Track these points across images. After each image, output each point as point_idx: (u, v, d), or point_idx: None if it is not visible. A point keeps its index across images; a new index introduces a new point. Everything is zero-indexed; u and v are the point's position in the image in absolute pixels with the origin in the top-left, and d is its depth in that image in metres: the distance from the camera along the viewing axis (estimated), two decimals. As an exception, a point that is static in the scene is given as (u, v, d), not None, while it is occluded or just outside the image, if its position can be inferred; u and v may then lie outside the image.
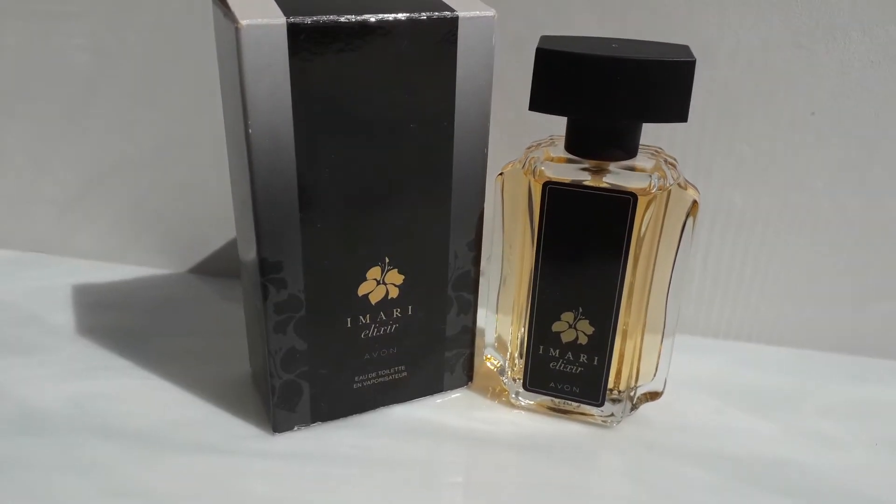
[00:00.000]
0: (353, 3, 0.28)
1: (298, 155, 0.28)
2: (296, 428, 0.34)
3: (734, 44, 0.36)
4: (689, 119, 0.37)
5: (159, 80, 0.43)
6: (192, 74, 0.42)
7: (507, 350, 0.36)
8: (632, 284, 0.32)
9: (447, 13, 0.28)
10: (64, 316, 0.43)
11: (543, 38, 0.31)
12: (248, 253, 0.31)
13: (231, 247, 0.47)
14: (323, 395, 0.33)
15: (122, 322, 0.42)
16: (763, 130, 0.38)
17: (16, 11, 0.42)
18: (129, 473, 0.31)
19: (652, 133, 0.38)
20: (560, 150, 0.32)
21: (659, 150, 0.32)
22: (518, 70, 0.38)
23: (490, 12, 0.29)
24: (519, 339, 0.35)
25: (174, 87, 0.43)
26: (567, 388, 0.34)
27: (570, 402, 0.35)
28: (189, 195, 0.46)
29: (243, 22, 0.25)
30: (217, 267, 0.48)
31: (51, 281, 0.46)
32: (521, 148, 0.34)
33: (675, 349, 0.38)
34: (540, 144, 0.33)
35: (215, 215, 0.46)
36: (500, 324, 0.36)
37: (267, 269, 0.30)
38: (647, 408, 0.36)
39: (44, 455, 0.32)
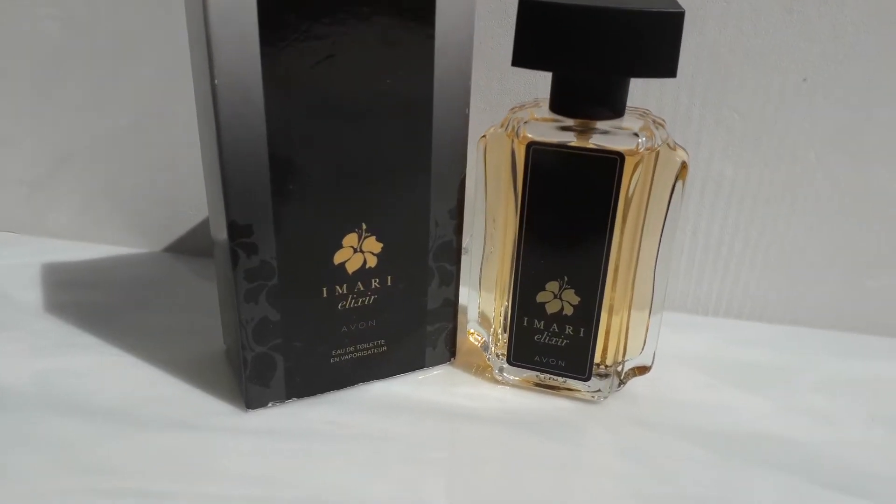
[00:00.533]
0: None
1: (268, 111, 0.27)
2: (270, 404, 0.32)
3: (723, 8, 0.35)
4: (677, 88, 0.36)
5: (133, 52, 0.42)
6: (168, 47, 0.41)
7: (490, 326, 0.35)
8: (619, 252, 0.30)
9: (425, -37, 0.27)
10: (33, 293, 0.41)
11: (527, -7, 0.29)
12: (219, 220, 0.30)
13: (207, 225, 0.45)
14: (298, 370, 0.32)
15: (93, 299, 0.41)
16: (754, 98, 0.36)
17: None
18: (94, 450, 0.30)
19: (639, 100, 0.37)
20: (545, 112, 0.31)
21: (647, 112, 0.31)
22: (502, 37, 0.37)
23: (470, -37, 0.28)
24: (503, 313, 0.33)
25: (149, 60, 0.41)
26: (553, 361, 0.33)
27: (556, 377, 0.34)
28: (164, 173, 0.44)
29: (208, -36, 0.24)
30: (193, 246, 0.46)
31: (20, 259, 0.44)
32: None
33: (664, 326, 0.37)
34: (524, 106, 0.32)
35: (191, 193, 0.44)
36: (484, 299, 0.35)
37: (236, 232, 0.28)
38: (635, 384, 0.35)
39: (8, 432, 0.31)
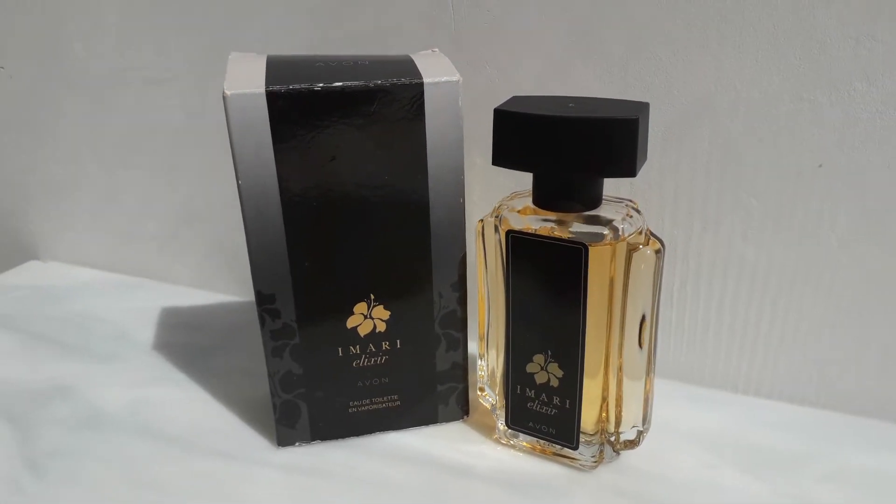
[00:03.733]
0: (336, 71, 0.32)
1: (284, 204, 0.32)
2: (297, 444, 0.38)
3: (733, 97, 0.36)
4: (693, 171, 0.38)
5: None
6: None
7: (496, 388, 0.38)
8: (598, 332, 0.33)
9: (414, 80, 0.32)
10: (147, 333, 0.50)
11: (513, 99, 0.33)
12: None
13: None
14: (320, 417, 0.37)
15: (192, 340, 0.49)
16: (770, 183, 0.37)
17: (126, 79, 0.51)
18: (153, 469, 0.37)
19: (656, 184, 0.39)
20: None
21: (631, 202, 0.33)
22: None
23: (455, 77, 0.32)
24: (500, 379, 0.37)
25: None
26: (544, 428, 0.36)
27: (553, 444, 0.36)
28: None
29: (228, 92, 0.30)
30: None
31: (147, 303, 0.54)
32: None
33: (687, 400, 0.38)
34: (520, 194, 0.35)
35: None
36: (489, 364, 0.38)
37: (262, 300, 0.34)
38: (634, 456, 0.36)
39: (95, 448, 0.38)
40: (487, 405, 0.39)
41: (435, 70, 0.33)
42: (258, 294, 0.34)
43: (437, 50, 0.37)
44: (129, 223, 0.57)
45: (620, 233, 0.31)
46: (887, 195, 0.35)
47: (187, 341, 0.49)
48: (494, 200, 0.37)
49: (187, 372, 0.45)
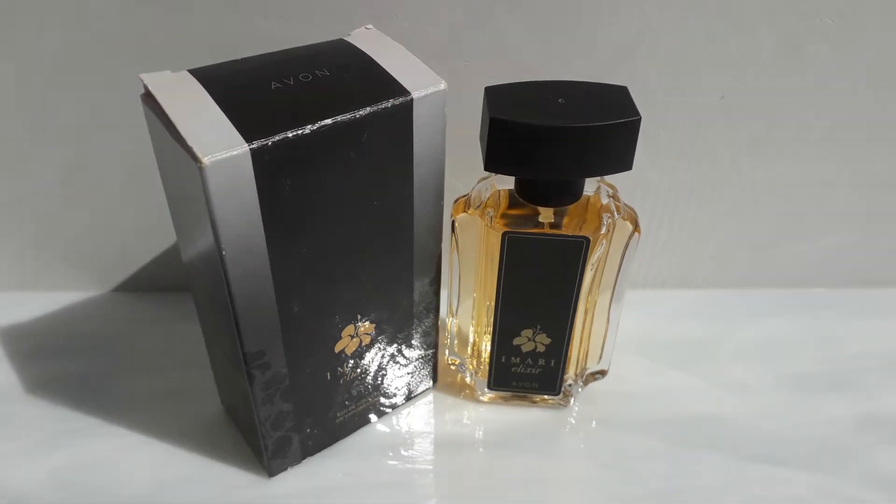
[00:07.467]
0: (305, 96, 0.27)
1: (273, 261, 0.28)
2: (289, 469, 0.36)
3: (653, 41, 0.37)
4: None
5: (62, 105, 0.39)
6: (96, 98, 0.38)
7: (466, 351, 0.39)
8: (585, 301, 0.35)
9: (402, 98, 0.28)
10: (3, 367, 0.41)
11: (489, 90, 0.31)
12: (224, 339, 0.31)
13: (156, 263, 0.45)
14: (309, 437, 0.35)
15: (71, 368, 0.41)
16: (678, 116, 0.40)
17: None
18: (142, 548, 0.33)
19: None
20: (510, 182, 0.33)
21: (600, 179, 0.34)
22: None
23: (441, 85, 0.29)
24: (481, 348, 0.38)
25: (78, 109, 0.39)
26: (527, 384, 0.38)
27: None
28: (100, 217, 0.43)
29: (206, 161, 0.24)
30: (142, 283, 0.46)
31: (-31, 326, 0.43)
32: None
33: None
34: (489, 177, 0.34)
35: (131, 234, 0.44)
36: (460, 329, 0.38)
37: (251, 359, 0.30)
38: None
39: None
40: (453, 367, 0.40)
41: (414, 77, 0.29)
42: (247, 355, 0.30)
43: (371, 27, 0.32)
44: None
45: (614, 218, 0.33)
46: (771, 122, 0.40)
47: (64, 371, 0.41)
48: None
49: (94, 413, 0.38)
